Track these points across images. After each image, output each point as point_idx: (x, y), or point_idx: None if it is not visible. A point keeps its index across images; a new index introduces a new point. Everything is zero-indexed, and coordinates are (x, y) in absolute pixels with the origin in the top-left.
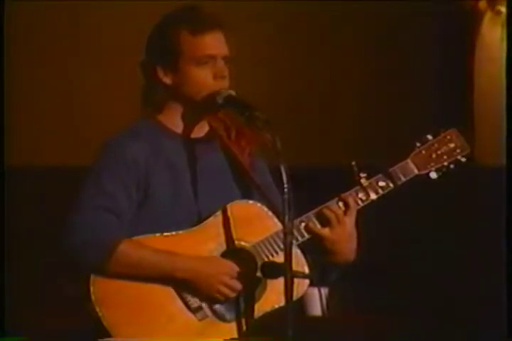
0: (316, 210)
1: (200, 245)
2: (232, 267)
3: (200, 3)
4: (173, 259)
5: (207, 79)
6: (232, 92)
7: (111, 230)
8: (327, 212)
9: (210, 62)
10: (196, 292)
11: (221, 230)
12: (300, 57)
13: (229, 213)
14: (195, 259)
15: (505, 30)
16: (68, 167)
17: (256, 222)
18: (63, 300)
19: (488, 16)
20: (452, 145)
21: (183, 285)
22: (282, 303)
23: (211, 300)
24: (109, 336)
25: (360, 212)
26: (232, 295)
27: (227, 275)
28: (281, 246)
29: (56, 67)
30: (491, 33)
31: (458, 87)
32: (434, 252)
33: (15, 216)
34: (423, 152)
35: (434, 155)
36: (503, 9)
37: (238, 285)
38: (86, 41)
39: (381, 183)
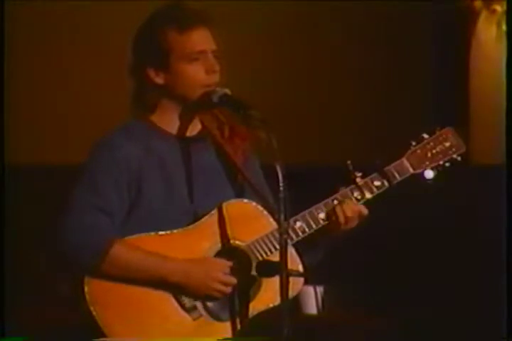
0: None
1: (195, 244)
2: (224, 263)
3: (184, 1)
4: (165, 263)
5: (199, 74)
6: (228, 91)
7: (104, 231)
8: (339, 212)
9: (201, 57)
10: (191, 293)
11: (216, 229)
12: (299, 56)
13: (224, 212)
14: (187, 262)
15: (500, 29)
16: (68, 166)
17: (251, 221)
18: (60, 300)
19: (483, 15)
20: (448, 144)
21: (177, 288)
22: (277, 302)
23: (208, 299)
24: (104, 336)
25: None
26: (228, 290)
27: (219, 272)
28: (276, 245)
29: (56, 66)
30: (487, 31)
31: (453, 85)
32: (433, 252)
33: (15, 215)
34: (418, 151)
35: (429, 154)
36: (499, 8)
37: (232, 280)
38: (86, 41)
39: (376, 182)
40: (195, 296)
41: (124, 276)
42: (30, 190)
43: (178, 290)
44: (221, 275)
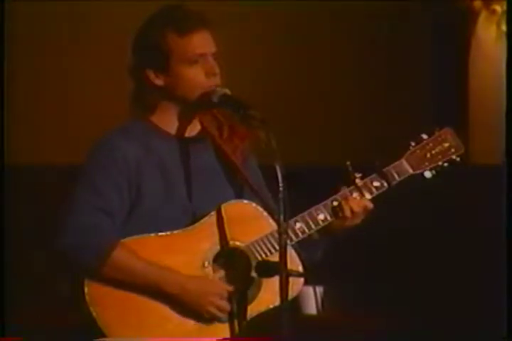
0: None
1: (195, 245)
2: (223, 288)
3: (184, 3)
4: (163, 274)
5: (199, 77)
6: (227, 91)
7: (104, 231)
8: (346, 207)
9: (201, 60)
10: (184, 308)
11: (216, 230)
12: (298, 57)
13: (223, 213)
14: (186, 277)
15: (500, 29)
16: (68, 166)
17: (251, 222)
18: (61, 300)
19: (483, 15)
20: (447, 144)
21: (172, 300)
22: (277, 303)
23: (197, 317)
24: (104, 336)
25: None
26: (220, 315)
27: (217, 296)
28: (276, 245)
29: (56, 66)
30: (486, 32)
31: (453, 85)
32: (433, 252)
33: (15, 215)
34: (418, 152)
35: (428, 155)
36: (499, 8)
37: (227, 307)
38: (86, 41)
39: (375, 183)
40: (187, 312)
41: (123, 281)
42: (30, 190)
43: (172, 302)
44: (217, 300)
